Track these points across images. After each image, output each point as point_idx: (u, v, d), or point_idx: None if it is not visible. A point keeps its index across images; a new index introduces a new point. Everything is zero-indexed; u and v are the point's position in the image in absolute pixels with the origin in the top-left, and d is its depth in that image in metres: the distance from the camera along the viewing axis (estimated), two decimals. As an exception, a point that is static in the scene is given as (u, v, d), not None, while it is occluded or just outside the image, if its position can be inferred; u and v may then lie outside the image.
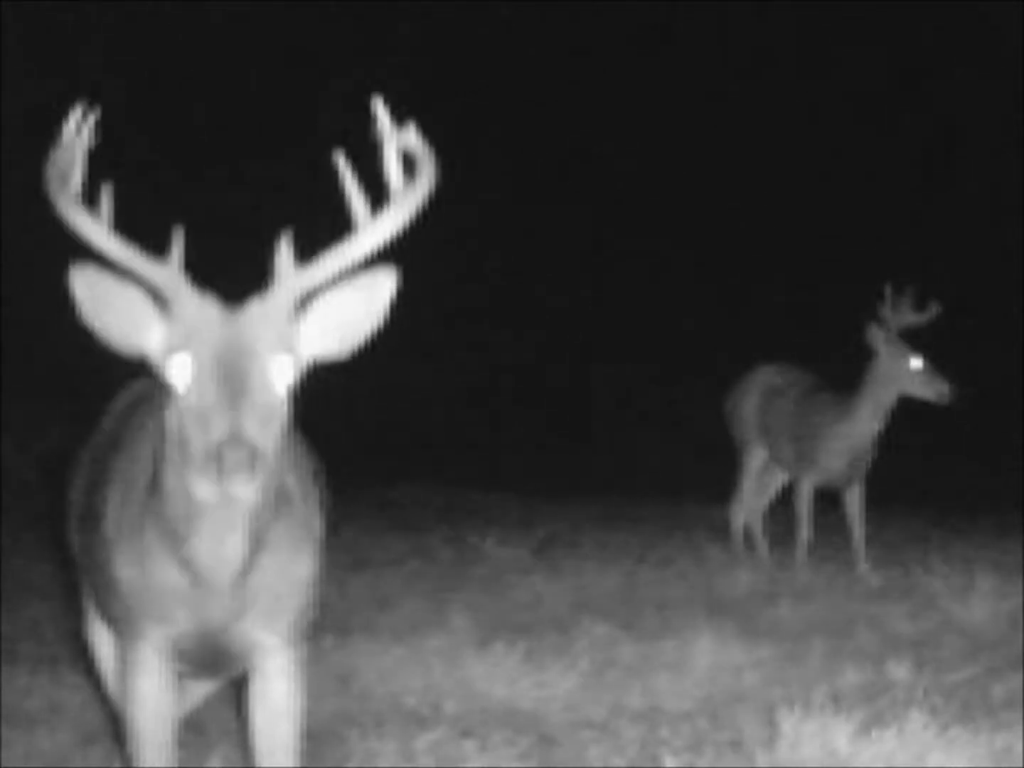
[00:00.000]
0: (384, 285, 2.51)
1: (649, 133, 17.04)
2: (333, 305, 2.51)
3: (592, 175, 17.24)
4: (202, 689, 3.41)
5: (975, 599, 5.66)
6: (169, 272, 2.46)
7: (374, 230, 2.53)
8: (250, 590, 2.67)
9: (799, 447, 6.86)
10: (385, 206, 2.55)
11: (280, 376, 2.44)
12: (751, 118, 16.97)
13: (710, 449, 7.93)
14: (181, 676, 2.94)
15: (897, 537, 7.78)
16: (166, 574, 2.65)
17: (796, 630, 5.37)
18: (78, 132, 2.60)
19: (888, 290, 6.60)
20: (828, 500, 7.03)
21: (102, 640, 3.29)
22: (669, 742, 3.94)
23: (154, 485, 2.62)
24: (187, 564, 2.61)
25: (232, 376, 2.37)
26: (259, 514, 2.57)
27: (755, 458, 7.20)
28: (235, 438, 2.31)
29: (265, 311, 2.46)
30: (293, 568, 2.74)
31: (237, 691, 3.40)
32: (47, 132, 2.53)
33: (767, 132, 16.87)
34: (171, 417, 2.47)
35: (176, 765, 2.92)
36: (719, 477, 7.49)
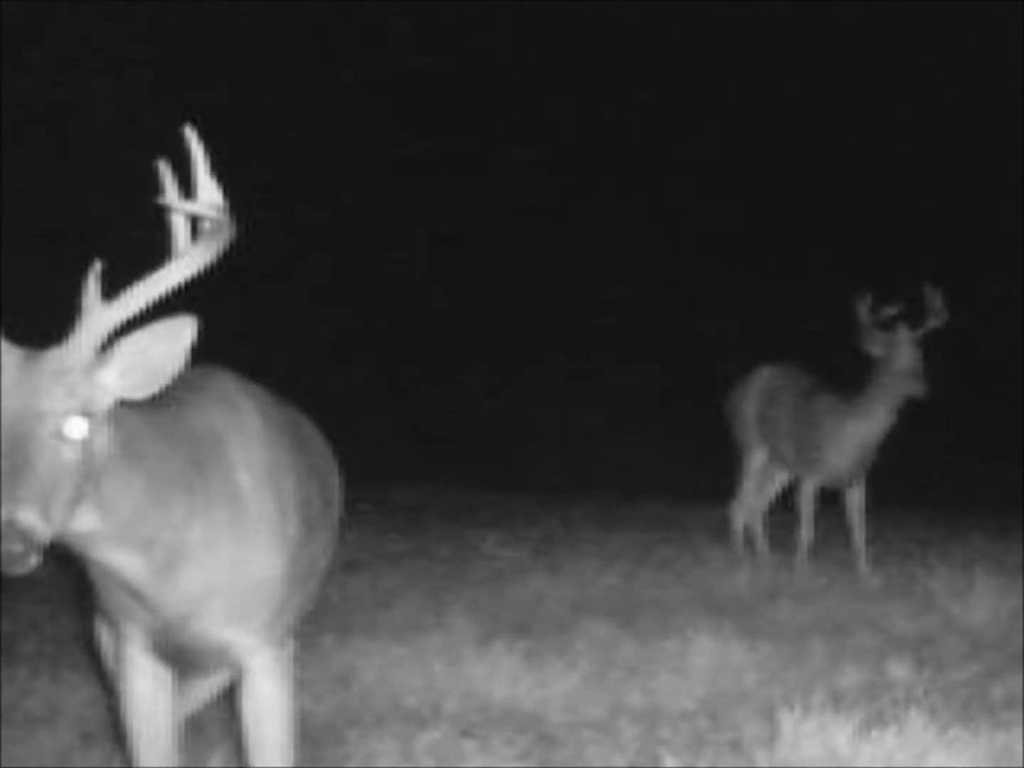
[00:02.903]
0: (185, 331, 2.49)
1: (651, 131, 17.04)
2: (135, 348, 2.48)
3: (592, 176, 17.25)
4: (203, 690, 3.41)
5: (975, 599, 5.66)
6: None
7: (157, 280, 2.51)
8: (188, 586, 2.69)
9: (803, 447, 6.85)
10: (169, 260, 2.55)
11: (73, 433, 2.37)
12: (750, 117, 16.97)
13: (710, 450, 7.93)
14: (181, 676, 2.96)
15: (897, 537, 7.77)
16: (110, 577, 2.71)
17: (796, 630, 5.37)
18: None
19: (858, 298, 6.66)
20: (828, 500, 7.02)
21: (109, 641, 3.30)
22: (669, 742, 3.95)
23: None
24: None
25: (15, 449, 2.31)
26: (118, 535, 2.55)
27: (755, 459, 7.20)
28: (7, 527, 2.25)
29: (61, 363, 2.40)
30: (246, 566, 2.75)
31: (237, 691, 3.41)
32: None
33: (767, 132, 16.87)
34: None
35: (177, 766, 2.93)
36: (719, 478, 7.49)
